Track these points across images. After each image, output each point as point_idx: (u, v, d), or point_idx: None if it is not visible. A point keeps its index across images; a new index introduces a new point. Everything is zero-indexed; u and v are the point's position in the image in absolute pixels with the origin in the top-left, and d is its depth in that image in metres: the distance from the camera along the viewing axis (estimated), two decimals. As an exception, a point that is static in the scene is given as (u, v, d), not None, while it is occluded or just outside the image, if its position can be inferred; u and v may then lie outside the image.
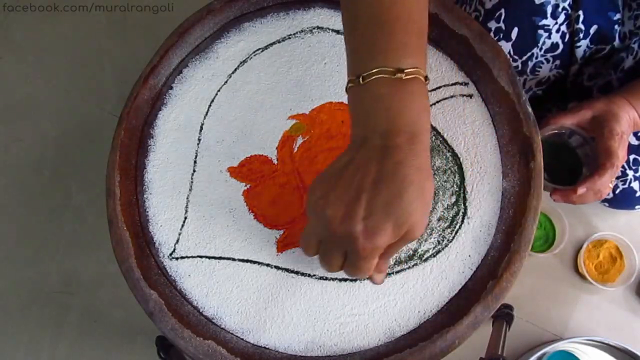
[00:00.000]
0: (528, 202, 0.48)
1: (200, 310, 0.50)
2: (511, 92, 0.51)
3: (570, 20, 0.63)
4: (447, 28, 0.54)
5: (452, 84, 0.54)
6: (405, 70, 0.39)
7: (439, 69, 0.55)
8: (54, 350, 0.97)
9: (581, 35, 0.64)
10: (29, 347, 0.98)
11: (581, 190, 0.58)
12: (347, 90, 0.42)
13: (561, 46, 0.66)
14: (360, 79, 0.40)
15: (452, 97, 0.54)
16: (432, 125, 0.53)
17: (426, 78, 0.41)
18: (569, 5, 0.62)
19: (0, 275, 1.01)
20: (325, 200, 0.39)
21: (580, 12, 0.62)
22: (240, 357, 0.47)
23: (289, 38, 0.58)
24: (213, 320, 0.50)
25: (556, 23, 0.63)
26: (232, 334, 0.49)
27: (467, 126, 0.53)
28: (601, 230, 0.90)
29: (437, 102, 0.54)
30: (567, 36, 0.65)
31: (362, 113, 0.41)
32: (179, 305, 0.50)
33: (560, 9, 0.62)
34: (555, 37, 0.65)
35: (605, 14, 0.62)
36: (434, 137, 0.53)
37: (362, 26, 0.42)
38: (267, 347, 0.48)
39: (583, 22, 0.63)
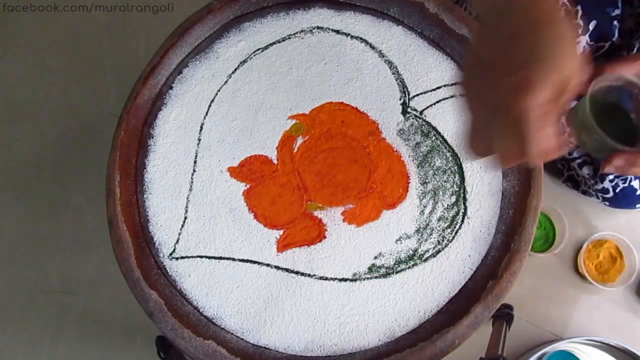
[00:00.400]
0: (528, 202, 0.48)
1: (200, 310, 0.50)
2: (511, 92, 0.51)
3: (569, 16, 0.63)
4: (447, 28, 0.54)
5: (452, 84, 0.54)
6: None
7: (439, 69, 0.55)
8: (54, 350, 0.97)
9: (580, 31, 0.64)
10: (29, 347, 0.98)
11: None
12: None
13: None
14: None
15: (452, 97, 0.54)
16: (432, 125, 0.53)
17: None
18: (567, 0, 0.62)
19: (0, 275, 1.01)
20: (475, 77, 0.35)
21: (579, 7, 0.62)
22: (240, 357, 0.47)
23: (289, 38, 0.58)
24: (213, 320, 0.50)
25: None
26: (232, 334, 0.49)
27: (467, 126, 0.53)
28: (601, 230, 0.90)
29: (437, 102, 0.54)
30: None
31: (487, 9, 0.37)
32: (179, 305, 0.50)
33: (559, 4, 0.62)
34: None
35: (604, 10, 0.61)
36: (434, 137, 0.53)
37: None
38: (267, 347, 0.48)
39: (582, 18, 0.63)
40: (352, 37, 0.57)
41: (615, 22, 0.62)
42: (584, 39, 0.65)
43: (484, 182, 0.51)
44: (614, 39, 0.64)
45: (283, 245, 0.51)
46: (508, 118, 0.33)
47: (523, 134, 0.32)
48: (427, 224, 0.50)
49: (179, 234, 0.53)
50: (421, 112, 0.54)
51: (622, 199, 0.75)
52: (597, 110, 0.47)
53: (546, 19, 0.33)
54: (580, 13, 0.62)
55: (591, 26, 0.64)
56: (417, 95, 0.54)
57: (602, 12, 0.62)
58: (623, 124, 0.50)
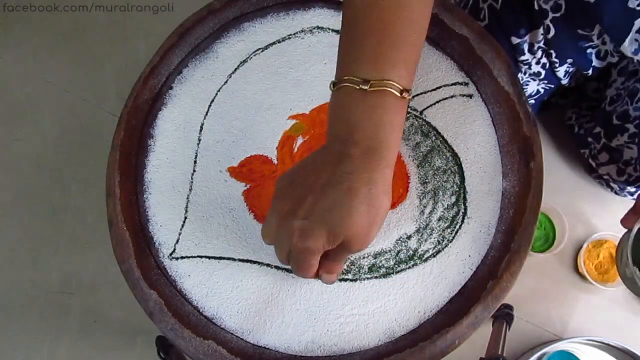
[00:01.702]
0: (528, 202, 0.48)
1: (200, 310, 0.50)
2: (511, 92, 0.51)
3: (548, 54, 0.64)
4: (447, 28, 0.54)
5: (452, 84, 0.54)
6: (371, 82, 0.39)
7: (439, 69, 0.55)
8: (54, 350, 0.97)
9: (557, 65, 0.65)
10: (29, 347, 0.98)
11: None
12: (331, 87, 0.43)
13: (543, 72, 0.68)
14: (331, 85, 0.41)
15: (452, 97, 0.54)
16: (432, 125, 0.53)
17: (403, 92, 0.40)
18: (543, 44, 0.63)
19: (0, 275, 1.01)
20: (281, 192, 0.41)
21: (552, 51, 0.63)
22: (240, 357, 0.47)
23: (289, 38, 0.58)
24: (213, 320, 0.50)
25: (534, 57, 0.65)
26: (232, 334, 0.49)
27: (467, 126, 0.53)
28: (601, 230, 0.90)
29: (437, 102, 0.54)
30: (548, 64, 0.66)
31: (330, 117, 0.42)
32: (179, 305, 0.50)
33: (536, 48, 0.63)
34: (536, 68, 0.68)
35: (576, 45, 0.62)
36: (434, 137, 0.53)
37: (345, 32, 0.42)
38: (267, 347, 0.48)
39: (557, 57, 0.65)
40: (352, 37, 0.57)
41: (589, 50, 0.63)
42: (563, 68, 0.66)
43: (484, 182, 0.51)
44: (593, 64, 0.65)
45: (283, 245, 0.51)
46: (284, 233, 0.40)
47: (294, 261, 0.40)
48: (427, 224, 0.50)
49: (179, 234, 0.53)
50: (421, 112, 0.54)
51: None
52: None
53: (357, 189, 0.38)
54: (554, 54, 0.64)
55: (568, 61, 0.65)
56: (417, 95, 0.54)
57: (575, 48, 0.62)
58: None
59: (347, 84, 0.40)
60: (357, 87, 0.39)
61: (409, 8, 0.41)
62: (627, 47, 0.55)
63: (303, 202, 0.39)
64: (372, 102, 0.39)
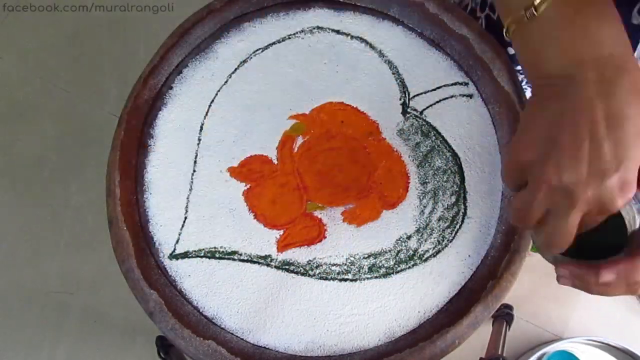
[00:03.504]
0: (528, 202, 0.48)
1: (200, 310, 0.50)
2: (511, 92, 0.51)
3: None
4: (447, 28, 0.54)
5: (452, 84, 0.54)
6: None
7: (439, 69, 0.55)
8: (54, 350, 0.97)
9: None
10: (29, 347, 0.98)
11: (607, 275, 0.35)
12: (511, 34, 0.36)
13: None
14: (532, 10, 0.34)
15: (452, 97, 0.54)
16: (432, 125, 0.53)
17: None
18: None
19: (0, 275, 1.01)
20: (554, 166, 0.32)
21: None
22: (240, 357, 0.47)
23: (289, 38, 0.58)
24: (213, 320, 0.50)
25: None
26: (232, 334, 0.49)
27: (467, 126, 0.53)
28: (601, 230, 0.90)
29: (437, 102, 0.54)
30: None
31: (551, 47, 0.34)
32: (179, 305, 0.50)
33: None
34: None
35: None
36: (434, 137, 0.53)
37: None
38: (267, 347, 0.48)
39: None
40: (352, 37, 0.57)
41: None
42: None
43: (484, 182, 0.51)
44: None
45: (283, 245, 0.51)
46: (592, 202, 0.32)
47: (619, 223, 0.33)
48: (427, 224, 0.50)
49: (179, 234, 0.53)
50: (421, 112, 0.54)
51: None
52: None
53: (620, 109, 0.31)
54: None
55: None
56: (417, 95, 0.54)
57: None
58: (614, 232, 0.39)
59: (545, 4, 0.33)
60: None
61: None
62: None
63: (600, 154, 0.31)
64: (598, 6, 0.33)
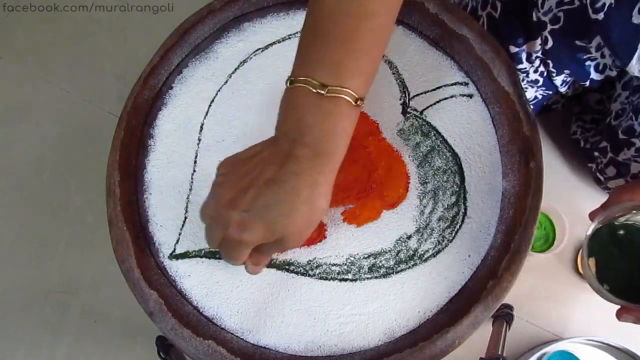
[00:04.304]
0: (528, 202, 0.48)
1: (200, 310, 0.50)
2: (511, 92, 0.51)
3: (545, 63, 0.65)
4: (447, 28, 0.54)
5: (452, 84, 0.54)
6: (329, 87, 0.39)
7: (439, 69, 0.55)
8: (54, 350, 0.97)
9: (554, 75, 0.65)
10: (29, 347, 0.98)
11: None
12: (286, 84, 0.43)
13: (541, 80, 0.68)
14: (288, 82, 0.41)
15: (452, 97, 0.54)
16: (432, 125, 0.53)
17: (358, 101, 0.40)
18: (541, 53, 0.63)
19: (0, 275, 1.01)
20: (223, 178, 0.42)
21: (549, 61, 0.63)
22: (240, 357, 0.47)
23: (289, 38, 0.58)
24: (213, 320, 0.50)
25: (532, 66, 0.65)
26: (232, 334, 0.49)
27: (467, 126, 0.53)
28: (601, 230, 0.90)
29: (437, 102, 0.54)
30: (545, 73, 0.66)
31: (282, 113, 0.42)
32: (179, 305, 0.50)
33: (533, 57, 0.63)
34: (534, 76, 0.67)
35: (574, 57, 0.62)
36: (434, 137, 0.53)
37: (308, 33, 0.42)
38: (267, 347, 0.48)
39: (554, 67, 0.64)
40: (352, 37, 0.57)
41: (588, 62, 0.62)
42: (560, 77, 0.66)
43: (484, 182, 0.51)
44: (591, 77, 0.65)
45: (283, 245, 0.51)
46: (221, 221, 0.40)
47: (230, 250, 0.41)
48: (427, 224, 0.50)
49: (179, 234, 0.53)
50: (421, 112, 0.54)
51: None
52: (621, 238, 0.42)
53: (299, 192, 0.39)
54: (552, 64, 0.64)
55: (565, 72, 0.65)
56: (417, 95, 0.54)
57: (573, 59, 0.62)
58: None
59: (304, 85, 0.40)
60: (314, 91, 0.40)
61: (375, 20, 0.41)
62: (634, 65, 0.54)
63: (245, 195, 0.39)
64: (327, 107, 0.40)
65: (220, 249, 0.42)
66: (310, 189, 0.39)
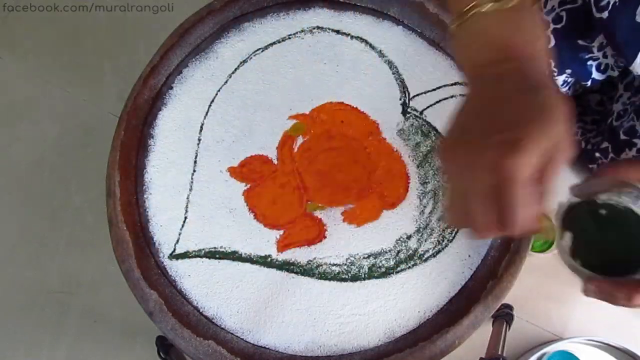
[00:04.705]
0: (528, 202, 0.48)
1: (200, 310, 0.50)
2: (511, 92, 0.51)
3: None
4: (448, 28, 0.54)
5: (452, 84, 0.54)
6: None
7: (439, 69, 0.55)
8: (54, 350, 0.97)
9: (555, 74, 0.65)
10: (29, 347, 0.98)
11: (639, 299, 0.35)
12: (450, 30, 0.39)
13: None
14: (464, 15, 0.37)
15: (452, 97, 0.54)
16: (432, 125, 0.53)
17: (534, 1, 0.37)
18: None
19: (0, 275, 1.01)
20: (458, 145, 0.33)
21: (551, 60, 0.63)
22: (240, 357, 0.47)
23: (289, 38, 0.58)
24: (213, 320, 0.50)
25: None
26: (232, 334, 0.49)
27: (467, 126, 0.53)
28: (601, 230, 0.90)
29: (437, 102, 0.54)
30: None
31: (469, 50, 0.38)
32: (179, 305, 0.50)
33: (550, 71, 0.63)
34: None
35: (576, 56, 0.62)
36: (434, 137, 0.53)
37: None
38: (267, 347, 0.48)
39: (555, 66, 0.64)
40: (352, 37, 0.57)
41: (590, 62, 0.62)
42: (562, 77, 0.66)
43: (484, 182, 0.51)
44: (593, 77, 0.65)
45: (283, 245, 0.51)
46: (492, 180, 0.30)
47: (508, 198, 0.30)
48: (427, 224, 0.50)
49: (179, 234, 0.53)
50: (421, 112, 0.54)
51: None
52: (600, 216, 0.41)
53: (537, 84, 0.33)
54: (553, 64, 0.63)
55: (567, 71, 0.65)
56: (417, 95, 0.54)
57: (575, 59, 0.62)
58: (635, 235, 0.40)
59: (481, 8, 0.36)
60: (497, 4, 0.36)
61: None
62: (639, 64, 0.54)
63: (489, 125, 0.32)
64: (516, 16, 0.36)
65: (508, 209, 0.31)
66: (539, 83, 0.33)
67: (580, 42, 0.58)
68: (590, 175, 0.42)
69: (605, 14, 0.52)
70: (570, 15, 0.56)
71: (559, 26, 0.58)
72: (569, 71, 0.65)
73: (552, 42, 0.60)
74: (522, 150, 0.30)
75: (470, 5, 0.37)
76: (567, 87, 0.70)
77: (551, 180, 0.33)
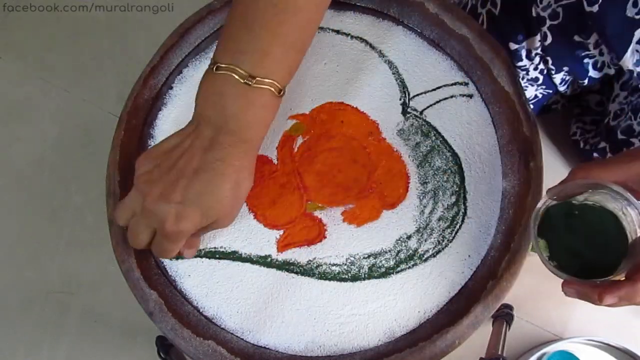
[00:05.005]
0: (528, 202, 0.48)
1: (200, 310, 0.50)
2: (511, 92, 0.51)
3: (545, 60, 0.65)
4: (447, 28, 0.54)
5: (452, 84, 0.54)
6: (257, 78, 0.41)
7: (439, 69, 0.55)
8: (54, 350, 0.97)
9: (553, 72, 0.65)
10: (29, 347, 0.98)
11: (610, 299, 0.37)
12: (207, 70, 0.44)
13: (541, 78, 0.68)
14: (215, 67, 0.42)
15: (452, 97, 0.54)
16: (432, 125, 0.53)
17: (281, 91, 0.42)
18: (540, 50, 0.63)
19: (0, 275, 1.01)
20: (148, 175, 0.42)
21: (549, 58, 0.63)
22: (240, 357, 0.47)
23: (289, 38, 0.57)
24: (213, 320, 0.50)
25: (532, 63, 0.66)
26: (232, 334, 0.49)
27: (467, 126, 0.53)
28: (601, 230, 0.90)
29: (437, 102, 0.54)
30: (545, 71, 0.66)
31: (204, 99, 0.43)
32: (179, 305, 0.50)
33: (533, 54, 0.64)
34: (534, 73, 0.67)
35: (572, 54, 0.62)
36: (434, 137, 0.53)
37: (236, 21, 0.43)
38: (267, 347, 0.48)
39: (553, 64, 0.65)
40: (352, 37, 0.57)
41: (586, 60, 0.63)
42: (559, 76, 0.66)
43: (484, 182, 0.51)
44: (589, 75, 0.65)
45: (283, 245, 0.51)
46: (156, 225, 0.42)
47: (163, 243, 0.42)
48: (427, 224, 0.50)
49: (179, 234, 0.52)
50: (421, 112, 0.54)
51: None
52: (580, 219, 0.42)
53: (226, 176, 0.41)
54: (551, 61, 0.64)
55: (564, 69, 0.65)
56: (417, 95, 0.54)
57: (571, 56, 0.62)
58: (611, 234, 0.40)
59: (230, 73, 0.41)
60: (242, 81, 0.41)
61: (303, 15, 0.43)
62: (629, 58, 0.55)
63: (175, 187, 0.41)
64: (252, 97, 0.42)
65: (154, 245, 0.43)
66: (236, 173, 0.42)
67: (576, 38, 0.59)
68: (565, 178, 0.42)
69: (595, 8, 0.52)
70: (566, 11, 0.56)
71: (555, 22, 0.58)
72: (566, 69, 0.65)
73: (549, 39, 0.60)
74: (181, 224, 0.40)
75: (227, 65, 0.41)
76: (565, 86, 0.70)
77: (204, 232, 0.46)
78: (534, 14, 0.59)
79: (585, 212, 0.42)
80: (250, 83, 0.41)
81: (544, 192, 0.48)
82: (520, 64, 0.65)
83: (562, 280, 0.41)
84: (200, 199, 0.41)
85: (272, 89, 0.42)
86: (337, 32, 0.57)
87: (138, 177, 0.43)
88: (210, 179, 0.41)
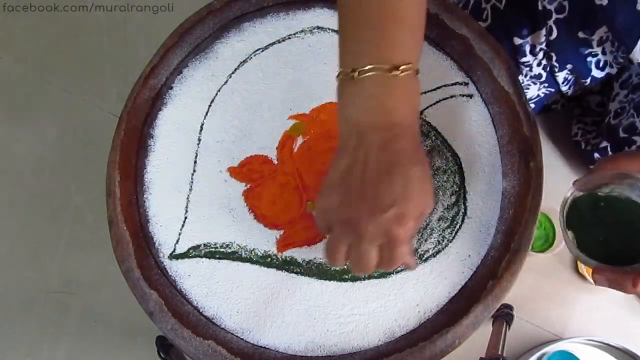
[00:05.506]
0: (528, 202, 0.48)
1: (200, 310, 0.50)
2: (511, 92, 0.51)
3: (549, 56, 0.64)
4: (447, 28, 0.54)
5: (452, 84, 0.54)
6: (401, 67, 0.40)
7: (439, 69, 0.55)
8: (54, 350, 0.97)
9: (556, 70, 0.65)
10: (29, 347, 0.98)
11: None
12: (338, 80, 0.42)
13: (544, 75, 0.68)
14: (356, 73, 0.41)
15: (452, 97, 0.54)
16: (432, 125, 0.53)
17: (417, 71, 0.41)
18: (545, 45, 0.63)
19: (0, 275, 1.01)
20: (345, 206, 0.39)
21: (553, 54, 0.63)
22: (240, 357, 0.47)
23: (289, 38, 0.58)
24: (213, 320, 0.50)
25: (535, 59, 0.65)
26: (232, 334, 0.49)
27: (467, 126, 0.53)
28: (601, 230, 0.90)
29: (437, 102, 0.54)
30: (548, 67, 0.66)
31: (358, 107, 0.41)
32: (178, 305, 0.50)
33: (537, 49, 0.63)
34: (538, 70, 0.67)
35: (576, 51, 0.62)
36: (434, 137, 0.53)
37: (354, 22, 0.42)
38: (267, 347, 0.48)
39: (557, 61, 0.65)
40: (352, 37, 0.57)
41: (589, 59, 0.63)
42: (562, 74, 0.66)
43: (484, 182, 0.51)
44: (592, 74, 0.65)
45: (283, 245, 0.51)
46: (384, 240, 0.39)
47: (396, 251, 0.39)
48: (427, 224, 0.50)
49: (179, 234, 0.53)
50: (421, 112, 0.54)
51: None
52: (602, 208, 0.44)
53: (412, 160, 0.39)
54: (555, 57, 0.64)
55: (568, 66, 0.65)
56: (417, 95, 0.54)
57: (575, 53, 0.62)
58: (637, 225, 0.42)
59: (376, 73, 0.40)
60: (390, 74, 0.40)
61: None
62: (639, 52, 0.55)
63: (378, 195, 0.38)
64: (403, 86, 0.40)
65: (384, 263, 0.40)
66: (418, 155, 0.40)
67: (581, 34, 0.59)
68: (591, 170, 0.43)
69: (605, 1, 0.52)
70: (572, 4, 0.56)
71: (561, 16, 0.58)
72: (569, 66, 0.65)
73: (555, 34, 0.60)
74: (406, 222, 0.38)
75: (367, 67, 0.40)
76: (567, 85, 0.70)
77: (418, 226, 0.43)
78: (540, 7, 0.59)
79: (611, 203, 0.44)
80: (397, 74, 0.40)
81: (544, 192, 0.48)
82: (523, 59, 0.65)
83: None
84: (406, 190, 0.38)
85: (413, 72, 0.41)
86: (337, 32, 0.57)
87: (335, 213, 0.40)
88: (403, 170, 0.39)
